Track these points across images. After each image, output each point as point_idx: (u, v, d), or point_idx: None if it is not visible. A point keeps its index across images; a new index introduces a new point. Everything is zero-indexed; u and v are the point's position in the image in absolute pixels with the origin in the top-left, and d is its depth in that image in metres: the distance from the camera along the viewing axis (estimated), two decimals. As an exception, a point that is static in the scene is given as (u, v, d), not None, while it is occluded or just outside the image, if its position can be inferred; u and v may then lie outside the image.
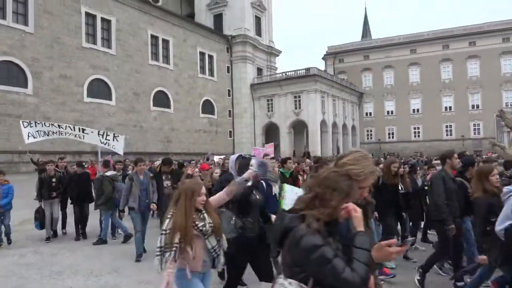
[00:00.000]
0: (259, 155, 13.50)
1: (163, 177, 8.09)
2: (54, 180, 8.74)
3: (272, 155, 14.69)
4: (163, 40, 38.02)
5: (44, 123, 11.63)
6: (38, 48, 27.24)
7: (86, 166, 10.00)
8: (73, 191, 8.89)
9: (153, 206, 7.35)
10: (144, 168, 7.57)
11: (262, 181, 4.49)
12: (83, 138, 11.86)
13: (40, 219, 8.39)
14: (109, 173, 8.84)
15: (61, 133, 11.49)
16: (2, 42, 25.27)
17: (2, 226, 8.07)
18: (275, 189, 5.36)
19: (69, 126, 11.87)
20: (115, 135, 12.41)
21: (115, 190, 8.44)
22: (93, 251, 7.73)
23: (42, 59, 27.43)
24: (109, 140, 11.88)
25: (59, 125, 11.64)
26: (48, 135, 11.29)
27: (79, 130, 11.86)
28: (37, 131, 11.03)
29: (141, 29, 35.59)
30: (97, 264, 6.68)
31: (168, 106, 38.12)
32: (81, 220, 8.90)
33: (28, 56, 26.59)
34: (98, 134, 11.91)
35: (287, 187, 5.29)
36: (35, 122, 11.57)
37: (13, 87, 25.80)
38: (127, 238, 8.26)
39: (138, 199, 7.00)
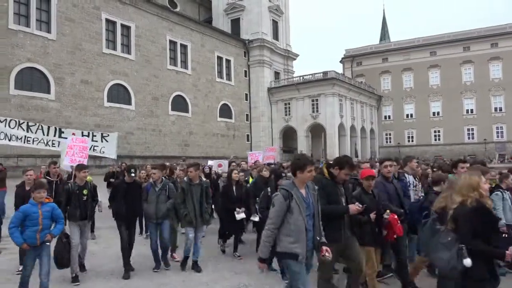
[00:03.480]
0: (256, 159, 13.58)
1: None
2: (84, 192, 6.08)
3: (273, 160, 14.47)
4: (181, 45, 38.49)
5: (9, 123, 8.83)
6: (60, 54, 27.95)
7: (134, 175, 6.50)
8: (121, 207, 6.21)
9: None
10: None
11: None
12: (57, 145, 9.12)
13: (59, 251, 5.42)
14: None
15: (28, 141, 8.95)
16: (26, 49, 26.05)
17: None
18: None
19: (41, 129, 9.23)
20: (104, 134, 10.05)
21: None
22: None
23: (64, 65, 28.13)
24: (96, 142, 9.56)
25: (28, 127, 9.13)
26: (10, 140, 8.79)
27: (55, 134, 9.30)
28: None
29: (160, 34, 36.12)
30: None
31: (186, 110, 38.50)
32: (129, 247, 6.32)
33: (50, 62, 27.32)
34: (82, 135, 9.24)
35: None
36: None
37: (37, 92, 26.54)
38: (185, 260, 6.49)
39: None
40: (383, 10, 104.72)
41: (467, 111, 50.01)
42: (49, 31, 27.54)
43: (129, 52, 33.32)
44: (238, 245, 7.31)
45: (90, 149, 9.16)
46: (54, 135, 9.32)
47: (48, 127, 9.52)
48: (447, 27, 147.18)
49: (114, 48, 32.10)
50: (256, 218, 7.00)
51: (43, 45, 27.03)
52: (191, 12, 45.74)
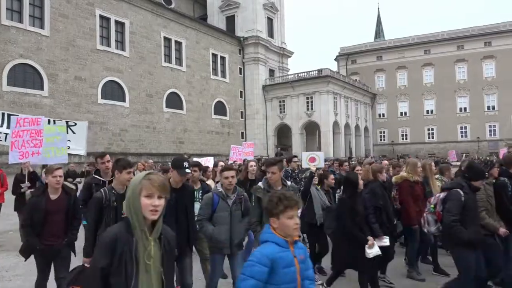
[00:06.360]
0: (238, 154, 12.51)
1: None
2: None
3: (251, 156, 13.49)
4: (176, 42, 38.34)
5: None
6: (54, 50, 27.74)
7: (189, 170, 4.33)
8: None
9: None
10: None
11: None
12: (5, 139, 7.56)
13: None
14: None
15: None
16: (19, 45, 25.83)
17: None
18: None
19: None
20: (69, 123, 8.32)
21: None
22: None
23: (57, 61, 27.92)
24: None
25: None
26: None
27: (5, 119, 7.58)
28: None
29: (154, 31, 35.95)
30: None
31: (181, 108, 38.40)
32: None
33: (44, 58, 27.11)
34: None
35: None
36: None
37: (30, 89, 26.34)
38: None
39: None
40: (378, 8, 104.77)
41: (461, 109, 50.36)
42: (42, 27, 27.30)
43: (123, 49, 33.13)
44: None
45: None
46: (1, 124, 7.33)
47: None
48: (442, 25, 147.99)
49: (108, 45, 31.90)
50: (386, 242, 4.74)
51: (36, 41, 26.80)
52: (186, 9, 45.55)
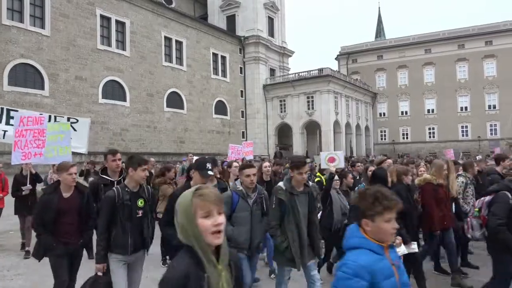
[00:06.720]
0: (237, 153, 12.11)
1: None
2: (140, 204, 3.78)
3: (251, 156, 12.61)
4: (177, 41, 38.34)
5: None
6: (54, 50, 27.77)
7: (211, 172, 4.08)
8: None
9: None
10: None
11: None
12: (3, 137, 7.29)
13: None
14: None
15: None
16: (19, 45, 25.85)
17: None
18: None
19: None
20: (71, 120, 7.92)
21: None
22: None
23: (58, 61, 27.95)
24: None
25: None
26: None
27: (4, 115, 7.17)
28: None
29: (155, 31, 35.95)
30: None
31: (181, 107, 38.41)
32: None
33: (44, 58, 27.14)
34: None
35: None
36: None
37: (30, 89, 26.38)
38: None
39: None
40: (379, 8, 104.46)
41: (461, 108, 50.26)
42: (43, 27, 27.32)
43: (124, 49, 33.14)
44: None
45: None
46: (3, 116, 6.95)
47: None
48: (442, 24, 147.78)
49: (109, 44, 31.92)
50: (414, 249, 4.43)
51: (37, 41, 26.83)
52: (187, 9, 45.54)
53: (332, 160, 7.32)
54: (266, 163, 6.65)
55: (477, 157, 10.92)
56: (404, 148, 50.71)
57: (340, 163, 7.36)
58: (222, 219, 1.54)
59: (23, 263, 6.80)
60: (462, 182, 6.09)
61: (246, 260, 3.92)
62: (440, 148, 47.04)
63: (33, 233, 4.04)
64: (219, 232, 1.51)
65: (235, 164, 6.57)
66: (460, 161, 8.65)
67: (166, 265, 6.05)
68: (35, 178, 6.95)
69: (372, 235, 1.86)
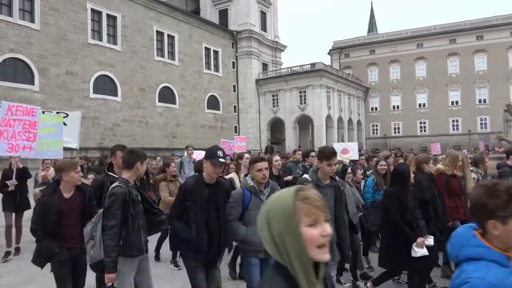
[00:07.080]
0: (229, 149, 11.94)
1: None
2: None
3: (244, 150, 13.00)
4: (169, 36, 38.09)
5: None
6: (44, 45, 27.45)
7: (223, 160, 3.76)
8: (200, 234, 3.88)
9: None
10: None
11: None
12: None
13: None
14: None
15: None
16: (9, 39, 25.51)
17: None
18: None
19: None
20: (60, 114, 7.58)
21: None
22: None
23: (48, 56, 27.65)
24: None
25: None
26: None
27: None
28: None
29: (147, 25, 35.68)
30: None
31: (174, 102, 38.26)
32: None
33: (34, 53, 26.83)
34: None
35: None
36: None
37: (20, 83, 26.08)
38: None
39: None
40: (371, 2, 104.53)
41: (452, 102, 50.72)
42: (32, 21, 26.97)
43: (115, 43, 32.86)
44: None
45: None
46: None
47: None
48: (434, 19, 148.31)
49: (100, 39, 31.63)
50: (430, 242, 4.20)
51: (27, 35, 26.49)
52: (179, 3, 45.18)
53: (345, 151, 7.04)
54: (277, 157, 6.42)
55: (464, 151, 10.99)
56: (395, 142, 51.05)
57: (354, 155, 7.15)
58: (330, 228, 1.21)
59: (13, 259, 6.80)
60: (474, 178, 5.99)
61: (258, 266, 3.56)
62: (431, 142, 47.43)
63: (32, 236, 3.78)
64: (325, 245, 1.19)
65: (246, 155, 6.03)
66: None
67: (173, 265, 6.10)
68: (22, 174, 6.59)
69: (497, 240, 1.42)
